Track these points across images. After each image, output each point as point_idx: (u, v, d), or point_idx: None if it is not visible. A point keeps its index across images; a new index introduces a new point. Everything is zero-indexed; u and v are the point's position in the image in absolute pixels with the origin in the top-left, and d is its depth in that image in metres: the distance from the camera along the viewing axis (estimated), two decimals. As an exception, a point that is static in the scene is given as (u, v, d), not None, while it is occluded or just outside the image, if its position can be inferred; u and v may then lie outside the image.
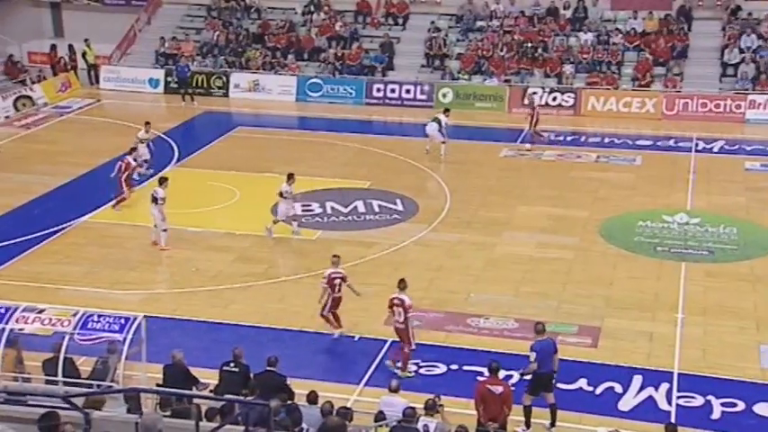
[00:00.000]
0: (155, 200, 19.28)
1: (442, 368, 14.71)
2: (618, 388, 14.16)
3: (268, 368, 12.50)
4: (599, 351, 15.33)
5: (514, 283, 17.77)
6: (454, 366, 14.74)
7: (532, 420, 13.00)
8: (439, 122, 24.96)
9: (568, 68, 30.95)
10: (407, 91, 30.83)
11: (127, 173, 21.34)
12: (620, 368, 14.72)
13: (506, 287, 17.62)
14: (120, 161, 21.72)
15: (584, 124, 28.97)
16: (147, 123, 23.82)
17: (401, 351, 14.45)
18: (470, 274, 18.21)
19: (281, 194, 19.62)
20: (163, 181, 19.77)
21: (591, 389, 14.19)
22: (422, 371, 14.65)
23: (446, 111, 25.85)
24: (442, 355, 14.99)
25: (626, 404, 13.80)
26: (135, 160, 21.88)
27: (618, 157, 25.63)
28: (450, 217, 21.17)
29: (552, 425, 13.04)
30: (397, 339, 14.60)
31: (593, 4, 32.90)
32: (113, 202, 21.34)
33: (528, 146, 26.09)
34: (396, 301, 14.30)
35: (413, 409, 11.33)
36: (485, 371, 13.00)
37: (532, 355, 12.84)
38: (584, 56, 31.36)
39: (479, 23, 33.10)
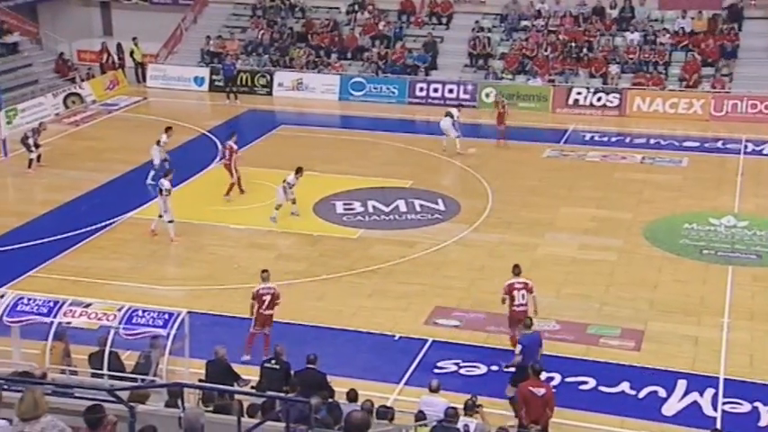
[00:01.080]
0: (159, 191, 19.65)
1: (482, 369, 14.64)
2: (662, 392, 13.98)
3: (308, 366, 12.56)
4: (642, 354, 15.15)
5: (556, 285, 17.61)
6: (495, 367, 14.66)
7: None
8: (452, 116, 25.23)
9: (614, 69, 30.60)
10: (450, 90, 30.73)
11: (233, 157, 21.83)
12: (664, 372, 14.53)
13: (548, 288, 17.42)
14: (223, 147, 22.33)
15: (629, 125, 28.60)
16: (169, 128, 23.88)
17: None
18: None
19: (287, 183, 20.26)
20: (168, 173, 20.08)
21: (633, 392, 14.03)
22: (462, 371, 14.61)
23: (459, 106, 26.54)
24: (483, 355, 14.93)
25: (670, 409, 13.62)
26: (236, 143, 22.24)
27: (663, 159, 25.27)
28: (491, 217, 21.06)
29: None
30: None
31: (641, 4, 32.46)
32: (225, 190, 21.76)
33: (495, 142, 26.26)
34: (517, 285, 14.80)
35: (455, 409, 11.31)
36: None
37: (518, 349, 13.19)
38: (631, 56, 30.97)
39: (524, 23, 32.88)
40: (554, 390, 12.82)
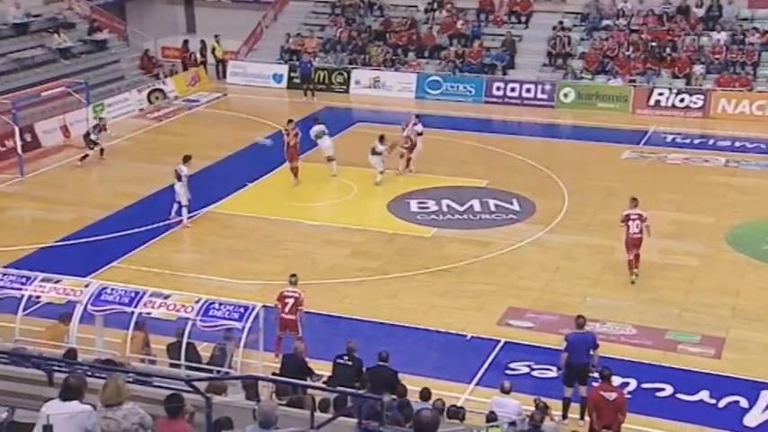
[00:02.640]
0: (178, 177, 19.99)
1: (555, 371, 14.42)
2: (743, 402, 13.57)
3: (380, 363, 12.60)
4: (723, 363, 14.73)
5: (634, 289, 17.25)
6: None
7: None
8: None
9: (698, 69, 29.77)
10: (528, 90, 30.40)
11: (288, 139, 22.95)
12: (746, 382, 14.09)
13: (625, 292, 17.13)
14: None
15: (713, 127, 27.81)
16: (317, 120, 24.75)
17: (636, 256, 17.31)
18: (587, 277, 17.82)
19: (374, 151, 22.31)
20: (187, 159, 20.43)
21: (713, 401, 13.66)
22: (534, 373, 14.46)
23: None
24: (556, 358, 14.64)
25: (753, 420, 13.21)
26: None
27: (749, 162, 24.49)
28: (567, 218, 20.76)
29: (582, 417, 12.83)
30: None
31: (729, 3, 31.50)
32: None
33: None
34: (633, 216, 17.17)
35: (542, 414, 11.21)
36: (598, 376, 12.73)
37: (564, 345, 13.09)
38: (717, 56, 30.08)
39: (605, 22, 32.29)
40: (628, 395, 12.58)
